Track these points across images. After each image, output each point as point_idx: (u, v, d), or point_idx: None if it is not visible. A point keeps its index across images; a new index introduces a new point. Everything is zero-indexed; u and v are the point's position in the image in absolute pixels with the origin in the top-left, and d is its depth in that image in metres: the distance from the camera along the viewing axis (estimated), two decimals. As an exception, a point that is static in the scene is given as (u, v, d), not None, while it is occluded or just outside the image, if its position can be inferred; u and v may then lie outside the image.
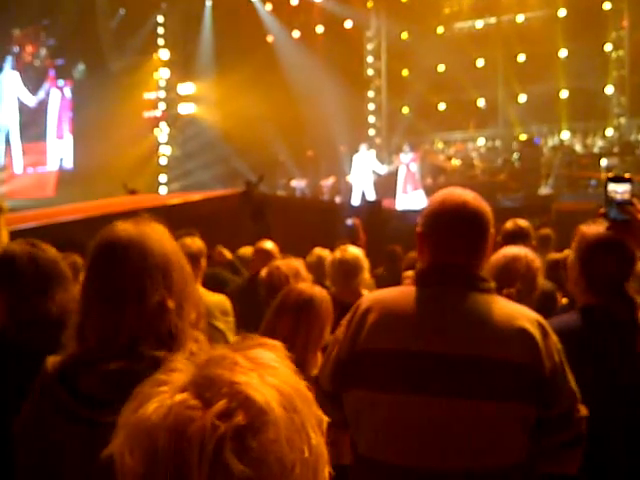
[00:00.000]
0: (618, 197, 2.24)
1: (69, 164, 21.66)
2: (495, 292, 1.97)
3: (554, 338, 1.90)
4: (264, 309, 3.03)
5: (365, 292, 4.12)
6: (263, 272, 3.41)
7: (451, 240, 1.96)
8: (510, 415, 1.82)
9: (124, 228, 1.68)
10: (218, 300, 4.12)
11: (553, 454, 1.93)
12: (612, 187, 2.26)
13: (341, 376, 1.96)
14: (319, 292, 2.83)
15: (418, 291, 1.96)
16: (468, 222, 1.95)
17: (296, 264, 3.51)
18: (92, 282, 1.66)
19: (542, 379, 1.83)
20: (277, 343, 0.79)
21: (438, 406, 1.82)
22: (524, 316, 1.89)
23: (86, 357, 1.60)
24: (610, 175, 2.30)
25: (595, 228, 2.41)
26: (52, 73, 21.80)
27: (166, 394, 0.71)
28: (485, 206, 2.00)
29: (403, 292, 2.02)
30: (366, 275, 4.23)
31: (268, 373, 0.73)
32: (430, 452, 1.82)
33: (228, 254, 5.52)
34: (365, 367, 1.91)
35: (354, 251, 4.20)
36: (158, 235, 1.70)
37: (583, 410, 1.92)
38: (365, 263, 4.21)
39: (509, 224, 4.36)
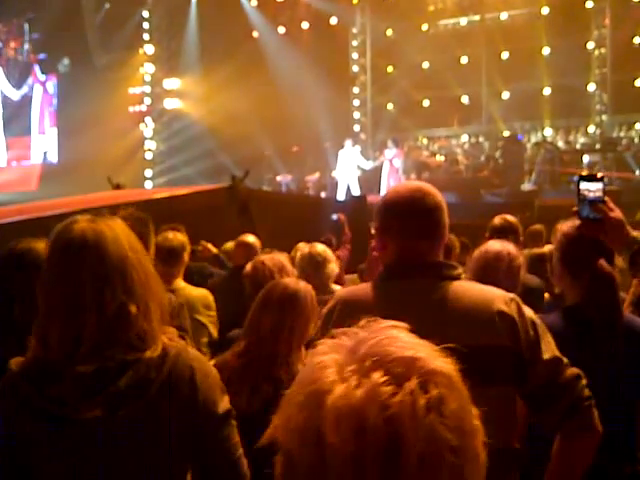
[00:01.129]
0: (590, 195, 2.24)
1: (53, 158, 21.61)
2: (462, 278, 1.96)
3: (528, 313, 1.90)
4: (247, 302, 3.05)
5: (335, 287, 4.20)
6: (248, 267, 3.42)
7: (406, 232, 1.95)
8: (496, 400, 1.77)
9: (79, 228, 1.64)
10: (201, 294, 4.15)
11: (564, 427, 1.89)
12: (584, 185, 2.26)
13: None
14: (304, 287, 2.82)
15: (386, 284, 1.96)
16: (424, 213, 1.95)
17: (281, 258, 3.52)
18: (50, 287, 1.64)
19: (523, 358, 1.83)
20: (404, 324, 0.84)
21: None
22: (499, 297, 1.89)
23: (52, 360, 1.59)
24: (583, 174, 2.33)
25: (571, 223, 2.45)
26: (35, 68, 21.72)
27: (355, 375, 0.73)
28: (437, 194, 2.00)
29: (370, 286, 1.99)
30: (334, 267, 4.26)
31: (430, 350, 0.78)
32: None
33: (213, 249, 5.53)
34: None
35: (321, 246, 4.29)
36: (114, 234, 1.65)
37: (573, 372, 1.88)
38: (332, 256, 4.27)
39: (497, 220, 4.38)
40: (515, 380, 1.85)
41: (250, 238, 4.99)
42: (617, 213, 2.23)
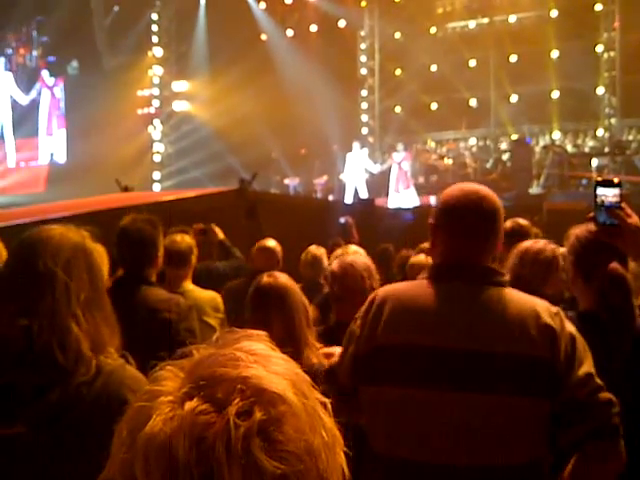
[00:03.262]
0: (607, 201, 2.21)
1: (60, 159, 21.83)
2: (509, 285, 1.97)
3: (569, 328, 1.90)
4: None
5: None
6: (335, 266, 3.35)
7: (465, 235, 1.97)
8: (529, 410, 1.82)
9: (31, 235, 1.64)
10: (209, 296, 4.14)
11: (585, 449, 1.87)
12: (601, 191, 2.23)
13: (360, 371, 1.93)
14: (286, 281, 2.79)
15: (434, 286, 1.95)
16: (482, 218, 1.96)
17: (366, 260, 3.44)
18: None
19: (558, 373, 1.82)
20: (261, 333, 0.76)
21: (459, 402, 1.82)
22: (543, 309, 1.89)
23: None
24: (599, 179, 2.30)
25: (584, 227, 2.44)
26: (43, 74, 22.03)
27: (170, 405, 0.66)
28: (497, 200, 2.01)
29: (419, 286, 1.99)
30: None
31: (270, 363, 0.70)
32: (450, 449, 1.81)
33: (220, 234, 5.42)
34: (384, 362, 1.89)
35: (355, 249, 4.25)
36: (57, 246, 1.62)
37: (605, 397, 1.85)
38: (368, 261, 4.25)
39: (509, 223, 4.37)
40: (546, 393, 1.83)
41: (271, 242, 4.95)
42: (634, 219, 2.19)
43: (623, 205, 2.22)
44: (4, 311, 1.57)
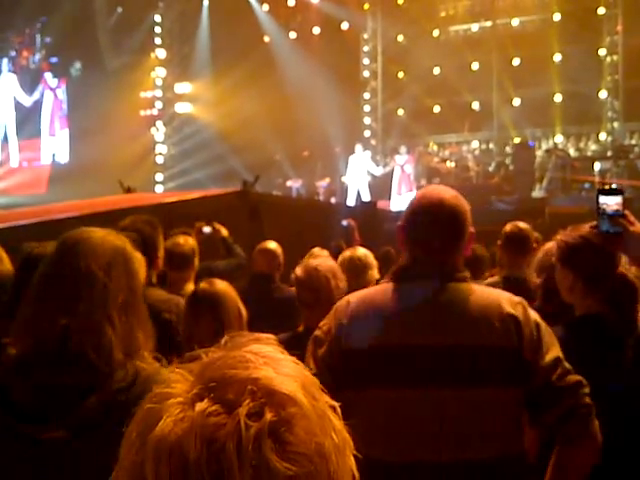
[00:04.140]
0: (609, 209, 2.22)
1: (62, 159, 21.96)
2: (471, 281, 2.01)
3: (533, 315, 1.94)
4: (268, 308, 2.99)
5: None
6: (299, 272, 3.34)
7: (427, 235, 2.01)
8: (503, 401, 1.86)
9: (79, 237, 1.65)
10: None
11: (560, 432, 1.91)
12: (603, 199, 2.24)
13: (333, 377, 1.93)
14: (223, 288, 2.83)
15: (397, 287, 2.00)
16: (443, 218, 2.00)
17: (332, 263, 3.45)
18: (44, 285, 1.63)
19: (525, 361, 1.86)
20: (270, 336, 0.76)
21: (432, 398, 1.84)
22: (505, 300, 1.94)
23: (20, 365, 1.54)
24: (601, 187, 2.30)
25: (575, 233, 2.43)
26: (46, 76, 22.21)
27: (180, 407, 0.66)
28: (462, 203, 2.06)
29: (382, 289, 2.04)
30: (375, 273, 4.24)
31: (279, 365, 0.70)
32: (427, 446, 1.83)
33: (223, 231, 5.40)
34: (355, 366, 1.92)
35: (363, 250, 4.26)
36: (102, 249, 1.64)
37: (575, 379, 1.90)
38: (374, 262, 4.25)
39: (509, 227, 4.38)
40: (517, 382, 1.87)
41: (271, 245, 4.93)
42: (637, 227, 2.20)
43: (626, 213, 2.22)
44: (45, 310, 1.57)
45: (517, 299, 1.96)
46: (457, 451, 1.83)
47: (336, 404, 0.74)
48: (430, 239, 2.00)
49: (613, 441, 2.29)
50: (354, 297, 2.04)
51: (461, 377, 1.85)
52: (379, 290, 2.05)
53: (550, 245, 3.16)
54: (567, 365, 1.91)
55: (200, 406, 0.65)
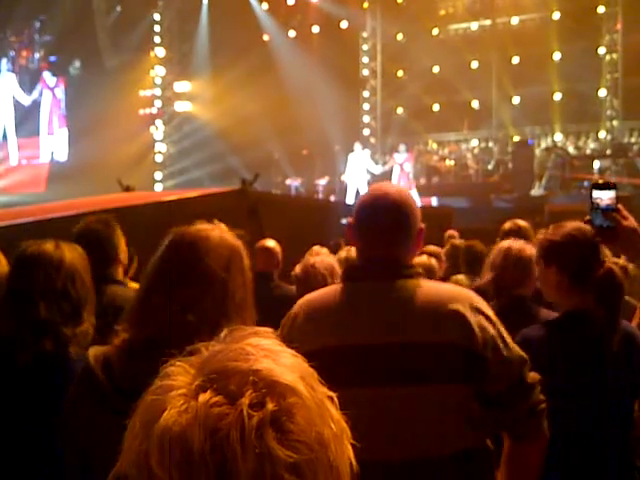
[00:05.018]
0: (603, 204, 2.23)
1: (61, 157, 22.02)
2: (421, 276, 1.98)
3: (487, 312, 1.90)
4: (267, 306, 2.96)
5: None
6: (298, 269, 3.35)
7: (371, 230, 2.00)
8: (451, 397, 1.83)
9: (191, 234, 1.69)
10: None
11: (515, 429, 1.92)
12: (597, 194, 2.24)
13: None
14: None
15: (346, 287, 1.99)
16: (386, 212, 1.98)
17: (331, 261, 3.45)
18: (164, 270, 1.65)
19: (477, 357, 1.82)
20: (268, 329, 0.78)
21: (383, 396, 1.83)
22: (453, 296, 1.90)
23: (125, 352, 1.57)
24: (594, 182, 2.30)
25: (559, 231, 2.44)
26: (45, 75, 22.30)
27: (183, 398, 0.68)
28: (407, 197, 2.04)
29: (330, 290, 2.04)
30: None
31: (279, 357, 0.72)
32: (381, 445, 1.79)
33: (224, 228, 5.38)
34: None
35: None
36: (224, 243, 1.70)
37: (533, 376, 1.90)
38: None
39: (508, 224, 4.39)
40: (467, 378, 1.83)
41: (270, 243, 4.93)
42: (631, 221, 2.21)
43: (619, 207, 2.22)
44: (166, 304, 1.59)
45: (470, 295, 1.94)
46: (410, 450, 1.81)
47: (333, 395, 0.76)
48: (375, 233, 1.99)
49: (597, 438, 2.31)
50: (304, 301, 2.03)
51: (410, 375, 1.83)
52: (328, 291, 2.03)
53: (506, 244, 3.22)
54: (528, 360, 1.90)
55: (203, 397, 0.67)
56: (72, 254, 2.35)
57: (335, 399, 0.75)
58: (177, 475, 0.65)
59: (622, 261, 3.16)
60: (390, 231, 1.98)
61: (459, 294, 1.93)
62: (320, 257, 3.54)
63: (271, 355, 0.72)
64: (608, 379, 2.34)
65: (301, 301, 2.04)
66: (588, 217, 2.27)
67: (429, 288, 1.94)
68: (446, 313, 1.85)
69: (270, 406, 0.67)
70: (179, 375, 0.71)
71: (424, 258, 5.00)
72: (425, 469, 1.82)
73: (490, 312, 1.91)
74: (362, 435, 1.78)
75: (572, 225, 2.43)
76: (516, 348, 1.90)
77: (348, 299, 1.95)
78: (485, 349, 1.83)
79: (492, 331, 1.86)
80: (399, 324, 1.87)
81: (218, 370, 0.69)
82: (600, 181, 2.28)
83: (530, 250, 3.05)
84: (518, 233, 4.29)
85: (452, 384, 1.83)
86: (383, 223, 1.98)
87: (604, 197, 2.24)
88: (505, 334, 1.90)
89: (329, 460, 0.70)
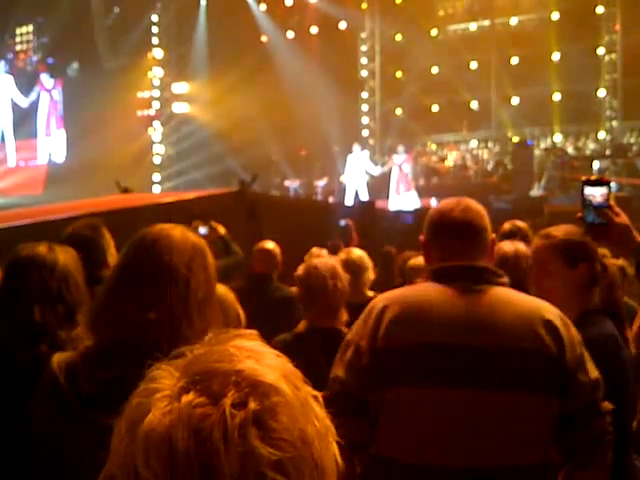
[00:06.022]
0: (595, 201, 2.22)
1: (58, 159, 22.04)
2: (509, 286, 2.01)
3: (574, 330, 1.93)
4: (266, 308, 2.94)
5: (370, 293, 4.14)
6: (300, 270, 3.35)
7: (453, 242, 2.02)
8: (538, 408, 1.83)
9: (155, 232, 1.68)
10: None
11: (581, 454, 1.92)
12: (588, 191, 2.23)
13: (369, 378, 1.91)
14: (223, 291, 2.74)
15: (437, 287, 1.98)
16: (466, 225, 2.01)
17: (333, 262, 3.45)
18: (126, 271, 1.65)
19: (566, 371, 1.85)
20: (253, 331, 0.79)
21: (473, 400, 1.82)
22: (546, 308, 1.93)
23: (91, 357, 1.57)
24: (586, 178, 2.28)
25: (565, 232, 2.45)
26: (42, 77, 22.34)
27: (167, 400, 0.69)
28: (482, 210, 2.08)
29: (420, 288, 2.03)
30: (370, 275, 4.23)
31: (262, 357, 0.73)
32: (465, 450, 1.81)
33: (221, 229, 5.37)
34: (391, 365, 1.89)
35: (358, 252, 4.25)
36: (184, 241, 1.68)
37: (607, 406, 1.92)
38: (369, 263, 4.23)
39: (507, 225, 4.38)
40: (555, 391, 1.85)
41: (269, 244, 4.91)
42: (623, 218, 2.19)
43: (611, 204, 2.21)
44: (128, 303, 1.58)
45: (558, 310, 1.95)
46: (491, 456, 1.80)
47: (318, 394, 0.76)
48: (457, 244, 2.01)
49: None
50: (387, 297, 2.01)
51: (500, 380, 1.83)
52: (417, 289, 2.04)
53: (502, 245, 3.22)
54: (601, 387, 1.91)
55: (186, 398, 0.68)
56: (65, 257, 2.34)
57: (320, 398, 0.75)
58: (162, 475, 0.66)
59: (620, 261, 3.15)
60: (469, 238, 2.02)
61: (550, 307, 1.95)
62: (323, 259, 3.51)
63: (254, 356, 0.73)
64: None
65: (387, 296, 2.02)
66: (580, 214, 2.25)
67: (523, 298, 1.98)
68: (541, 322, 1.87)
69: (253, 405, 0.68)
70: (164, 378, 0.72)
71: (421, 259, 4.96)
72: (505, 477, 1.82)
73: (575, 330, 1.94)
74: (448, 438, 1.81)
75: (572, 226, 2.44)
76: (596, 372, 1.91)
77: (444, 298, 1.94)
78: (572, 365, 1.86)
79: (579, 349, 1.90)
80: (494, 328, 1.87)
81: (201, 372, 0.70)
82: (592, 178, 2.25)
83: (527, 251, 3.04)
84: (517, 234, 4.27)
85: (542, 394, 1.84)
86: (462, 231, 2.02)
87: (596, 194, 2.22)
88: (587, 355, 1.92)
89: (313, 458, 0.70)
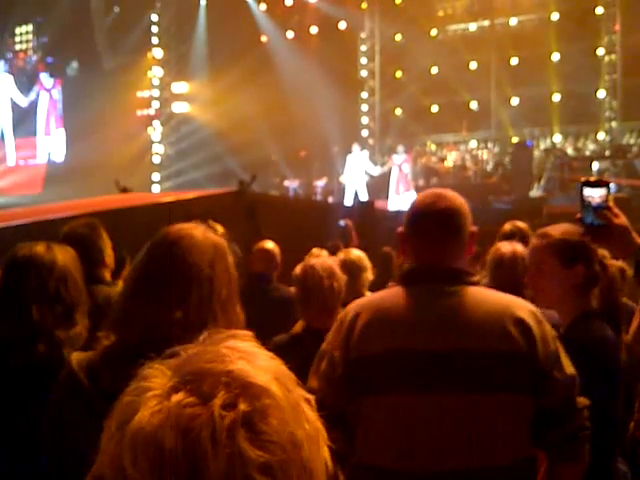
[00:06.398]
0: (594, 202, 2.21)
1: (57, 158, 22.08)
2: (479, 284, 1.98)
3: (548, 326, 1.91)
4: (266, 308, 2.93)
5: (368, 294, 4.14)
6: (297, 270, 3.35)
7: (426, 238, 1.99)
8: (513, 408, 1.83)
9: (177, 233, 1.67)
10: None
11: (558, 450, 1.92)
12: (587, 192, 2.22)
13: (344, 388, 1.91)
14: None
15: (407, 290, 1.96)
16: (439, 220, 1.98)
17: (331, 263, 3.45)
18: (149, 273, 1.64)
19: (539, 368, 1.83)
20: (247, 332, 0.78)
21: (447, 403, 1.82)
22: (518, 306, 1.91)
23: (113, 357, 1.56)
24: (584, 179, 2.27)
25: (562, 231, 2.42)
26: (42, 77, 22.40)
27: (157, 399, 0.69)
28: (460, 201, 2.04)
29: (391, 293, 2.01)
30: (369, 275, 4.24)
31: (255, 359, 0.73)
32: (440, 453, 1.81)
33: (220, 229, 5.35)
34: (364, 373, 1.89)
35: (357, 252, 4.26)
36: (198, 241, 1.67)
37: (583, 401, 1.91)
38: (368, 263, 4.24)
39: (507, 225, 4.39)
40: (534, 390, 1.84)
41: (269, 244, 4.91)
42: (622, 219, 2.18)
43: (610, 205, 2.21)
44: (153, 303, 1.58)
45: (531, 306, 1.93)
46: (472, 458, 1.80)
47: (310, 397, 0.76)
48: (427, 238, 1.99)
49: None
50: (359, 304, 2.00)
51: (475, 383, 1.82)
52: (387, 295, 2.01)
53: (509, 248, 3.23)
54: (576, 382, 1.91)
55: (176, 397, 0.68)
56: (64, 256, 2.34)
57: (312, 401, 0.75)
58: (149, 475, 0.66)
59: (620, 263, 3.15)
60: (445, 236, 1.98)
61: (522, 304, 1.93)
62: (321, 259, 3.52)
63: (247, 357, 0.72)
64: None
65: (359, 303, 2.01)
66: (579, 215, 2.24)
67: (493, 296, 1.95)
68: (511, 321, 1.85)
69: (242, 407, 0.67)
70: (156, 377, 0.71)
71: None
72: (487, 478, 1.82)
73: (549, 326, 1.91)
74: (425, 443, 1.79)
75: (570, 225, 2.41)
76: (571, 368, 1.90)
77: (414, 302, 1.93)
78: (546, 362, 1.84)
79: (552, 346, 1.88)
80: (464, 330, 1.86)
81: (193, 372, 0.70)
82: (591, 179, 2.25)
83: (525, 252, 3.04)
84: (517, 235, 4.28)
85: (515, 394, 1.83)
86: (437, 229, 1.98)
87: (595, 195, 2.21)
88: (562, 351, 1.90)
89: (302, 461, 0.70)
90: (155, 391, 0.70)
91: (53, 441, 1.58)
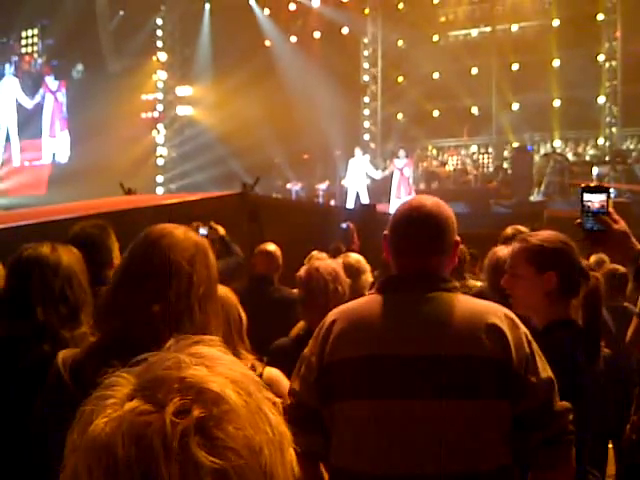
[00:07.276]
0: (594, 207, 2.22)
1: (62, 159, 22.13)
2: (458, 291, 1.97)
3: (523, 329, 1.89)
4: (267, 309, 2.94)
5: None
6: (302, 272, 3.38)
7: (408, 244, 2.00)
8: (486, 413, 1.82)
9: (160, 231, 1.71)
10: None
11: (541, 455, 1.89)
12: (587, 197, 2.23)
13: (318, 393, 1.93)
14: (224, 292, 2.72)
15: (382, 298, 1.97)
16: (421, 226, 1.98)
17: (335, 266, 3.43)
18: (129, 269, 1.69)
19: (513, 373, 1.82)
20: (214, 338, 0.78)
21: (415, 410, 1.82)
22: (491, 311, 1.89)
23: (95, 353, 1.59)
24: (584, 185, 2.30)
25: (543, 236, 2.39)
26: (47, 79, 22.49)
27: (113, 407, 0.68)
28: (443, 209, 2.02)
29: (367, 301, 2.02)
30: (368, 278, 4.27)
31: (215, 364, 0.72)
32: (416, 458, 1.81)
33: (221, 230, 5.41)
34: (336, 379, 1.91)
35: (356, 255, 4.30)
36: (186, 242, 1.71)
37: (563, 404, 1.89)
38: (367, 266, 4.28)
39: (509, 230, 4.42)
40: (508, 395, 1.83)
41: (271, 246, 4.95)
42: (621, 225, 2.20)
43: (610, 210, 2.22)
44: (135, 297, 1.63)
45: (506, 311, 1.92)
46: (446, 464, 1.80)
47: (278, 400, 0.75)
48: (410, 245, 1.99)
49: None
50: (337, 311, 2.01)
51: (446, 388, 1.81)
52: (364, 302, 2.02)
53: (505, 252, 3.24)
54: (554, 385, 1.88)
55: (129, 405, 0.67)
56: (69, 256, 2.36)
57: (279, 405, 0.75)
58: None
59: (622, 268, 3.15)
60: (425, 243, 1.98)
61: (496, 309, 1.92)
62: (325, 262, 3.55)
63: (207, 363, 0.72)
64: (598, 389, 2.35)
65: (338, 310, 2.03)
66: (579, 220, 2.26)
67: (467, 302, 1.93)
68: (484, 327, 1.84)
69: (196, 413, 0.66)
70: (119, 385, 0.71)
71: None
72: None
73: (526, 330, 1.90)
74: (398, 447, 1.83)
75: (554, 233, 2.39)
76: (548, 371, 1.88)
77: (388, 310, 1.94)
78: (520, 366, 1.83)
79: (527, 349, 1.86)
80: (437, 336, 1.86)
81: (150, 379, 0.70)
82: (591, 184, 2.29)
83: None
84: (517, 239, 4.35)
85: (490, 399, 1.83)
86: (418, 235, 1.98)
87: (595, 200, 2.23)
88: (538, 354, 1.88)
89: (262, 466, 0.69)
90: (114, 399, 0.69)
91: (39, 438, 1.61)
